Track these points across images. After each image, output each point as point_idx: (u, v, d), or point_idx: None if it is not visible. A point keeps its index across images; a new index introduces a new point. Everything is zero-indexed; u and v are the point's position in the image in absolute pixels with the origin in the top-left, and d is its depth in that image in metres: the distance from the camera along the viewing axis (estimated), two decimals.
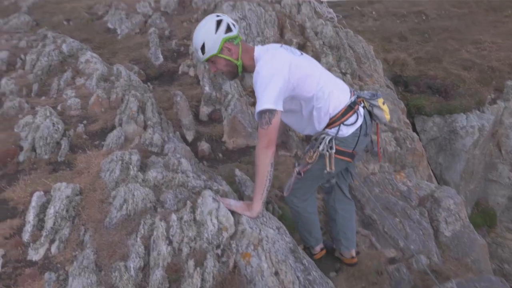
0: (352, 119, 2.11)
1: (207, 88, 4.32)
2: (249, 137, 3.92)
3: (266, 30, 5.41)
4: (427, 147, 6.65)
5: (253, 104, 4.25)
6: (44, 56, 4.35)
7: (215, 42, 1.97)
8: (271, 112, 1.89)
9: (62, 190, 2.24)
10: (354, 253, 2.66)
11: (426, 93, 6.94)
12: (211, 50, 1.99)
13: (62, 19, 6.41)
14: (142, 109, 3.37)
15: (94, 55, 4.43)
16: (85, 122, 3.36)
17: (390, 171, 3.92)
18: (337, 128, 2.09)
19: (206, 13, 6.04)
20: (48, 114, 3.15)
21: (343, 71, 4.90)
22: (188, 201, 2.09)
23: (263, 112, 1.89)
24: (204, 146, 3.72)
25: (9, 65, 4.34)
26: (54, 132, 2.97)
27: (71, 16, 6.62)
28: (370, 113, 2.23)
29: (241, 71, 2.10)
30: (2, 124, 3.25)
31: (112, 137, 2.96)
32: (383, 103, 2.24)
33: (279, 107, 1.91)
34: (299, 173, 2.19)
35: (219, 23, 1.98)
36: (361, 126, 2.14)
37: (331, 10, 8.47)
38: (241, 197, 2.72)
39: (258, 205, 2.05)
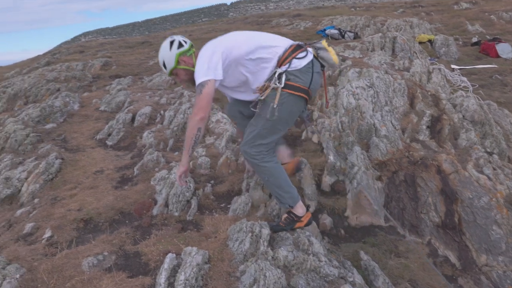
0: (302, 54, 2.29)
1: (331, 157, 4.20)
2: (375, 215, 3.62)
3: (395, 99, 5.20)
4: None
5: (379, 178, 3.99)
6: (180, 113, 4.80)
7: (171, 58, 2.45)
8: (201, 84, 2.22)
9: (193, 255, 2.27)
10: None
11: None
12: (170, 64, 2.47)
13: None
14: None
15: (224, 116, 4.73)
16: (212, 182, 3.50)
17: None
18: (288, 63, 2.25)
19: (331, 78, 6.13)
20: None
21: (488, 150, 4.36)
22: None
23: (197, 86, 2.24)
24: (326, 220, 3.53)
25: (150, 119, 4.87)
26: (186, 190, 3.13)
27: None
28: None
29: None
30: (142, 175, 3.56)
31: (239, 203, 2.99)
32: (328, 45, 2.40)
33: (210, 76, 2.21)
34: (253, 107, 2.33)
35: (172, 42, 2.47)
36: (312, 62, 2.30)
37: (464, 79, 7.91)
38: None
39: (184, 158, 2.46)
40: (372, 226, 3.60)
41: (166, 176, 3.34)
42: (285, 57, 2.30)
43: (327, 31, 11.69)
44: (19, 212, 3.14)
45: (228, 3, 37.30)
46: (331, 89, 5.47)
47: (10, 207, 3.31)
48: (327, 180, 4.08)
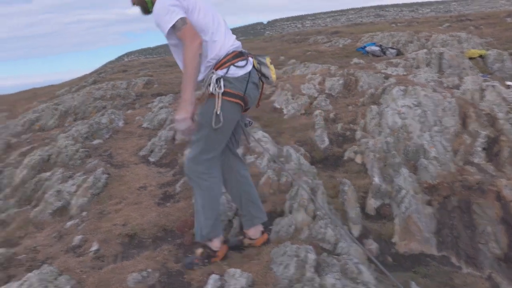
0: (242, 63, 2.24)
1: (376, 179, 4.09)
2: (426, 243, 3.46)
3: (445, 119, 5.01)
4: None
5: (429, 202, 3.82)
6: None
7: None
8: (180, 19, 2.10)
9: (237, 278, 2.25)
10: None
11: None
12: None
13: None
14: (312, 197, 3.33)
15: (266, 134, 4.75)
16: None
17: None
18: (226, 68, 2.20)
19: (373, 97, 6.03)
20: (224, 190, 3.38)
21: None
22: None
23: (174, 25, 2.10)
24: (372, 245, 3.42)
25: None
26: (228, 210, 3.15)
27: None
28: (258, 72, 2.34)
29: (151, 7, 2.28)
30: (183, 192, 3.62)
31: (282, 225, 2.96)
32: (270, 63, 2.38)
33: (182, 14, 2.12)
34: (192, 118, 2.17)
35: None
36: (250, 72, 2.26)
37: None
38: None
39: (190, 94, 2.12)
40: (422, 254, 3.44)
41: None
42: (224, 61, 2.24)
43: (367, 48, 11.58)
44: (68, 224, 3.27)
45: (265, 22, 37.98)
46: (374, 108, 5.37)
47: (60, 218, 3.45)
48: (372, 203, 3.96)
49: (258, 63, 2.40)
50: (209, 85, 2.19)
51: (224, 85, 2.19)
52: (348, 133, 5.36)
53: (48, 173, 4.17)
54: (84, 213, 3.44)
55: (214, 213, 2.49)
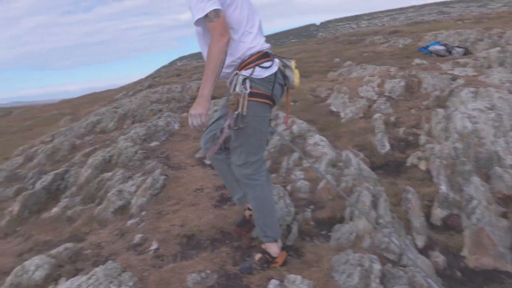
0: (267, 63, 2.23)
1: (443, 187, 3.89)
2: (500, 258, 3.23)
3: None
4: None
5: (504, 214, 3.57)
6: (276, 135, 4.89)
7: None
8: (214, 11, 2.05)
9: (297, 284, 2.25)
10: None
11: None
12: None
13: (290, 100, 7.24)
14: (374, 204, 3.25)
15: (323, 138, 4.70)
16: (312, 207, 3.47)
17: None
18: (252, 69, 2.19)
19: (438, 100, 5.76)
20: (281, 194, 3.39)
21: None
22: None
23: (207, 14, 2.05)
24: (438, 258, 3.25)
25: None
26: (287, 215, 3.15)
27: (297, 97, 7.42)
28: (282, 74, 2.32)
29: None
30: None
31: (343, 232, 2.91)
32: (295, 67, 2.35)
33: (218, 6, 2.07)
34: (229, 126, 2.16)
35: None
36: (276, 73, 2.25)
37: None
38: None
39: (208, 90, 2.09)
40: (496, 271, 3.21)
41: None
42: (248, 61, 2.23)
43: (430, 48, 11.08)
44: (129, 222, 3.45)
45: (317, 23, 37.59)
46: (440, 111, 5.13)
47: (121, 217, 3.65)
48: (438, 213, 3.77)
49: (283, 65, 2.39)
50: (236, 85, 2.20)
51: (250, 86, 2.19)
52: (410, 137, 5.16)
53: (109, 173, 4.43)
54: (143, 213, 3.60)
55: (271, 212, 2.53)
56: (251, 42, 2.26)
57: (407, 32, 17.06)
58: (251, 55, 2.25)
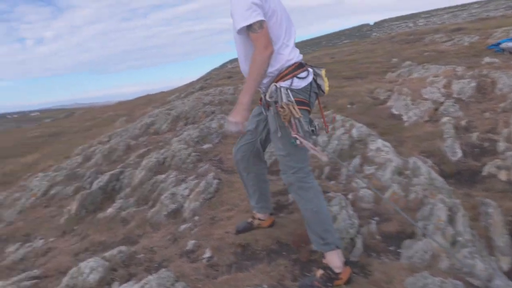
0: (304, 74, 2.31)
1: None
2: None
3: None
4: None
5: None
6: (335, 139, 4.61)
7: None
8: (258, 22, 2.09)
9: None
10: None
11: None
12: None
13: (346, 102, 6.90)
14: (450, 218, 2.88)
15: (386, 144, 4.36)
16: (377, 219, 3.17)
17: None
18: (290, 80, 2.27)
19: None
20: (343, 204, 3.13)
21: None
22: None
23: (251, 25, 2.10)
24: None
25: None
26: (350, 227, 2.88)
27: (354, 99, 7.06)
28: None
29: None
30: (295, 204, 3.44)
31: (416, 250, 2.59)
32: (325, 75, 2.44)
33: (262, 17, 2.11)
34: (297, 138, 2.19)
35: None
36: (311, 83, 2.34)
37: None
38: None
39: (248, 99, 2.14)
40: None
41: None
42: (286, 73, 2.30)
43: (502, 45, 10.18)
44: (182, 227, 3.34)
45: (371, 23, 36.39)
46: None
47: (174, 220, 3.56)
48: None
49: (315, 74, 2.46)
50: (282, 97, 2.25)
51: (292, 95, 2.26)
52: (486, 144, 4.66)
53: (163, 175, 4.39)
54: (196, 217, 3.49)
55: (328, 216, 2.45)
56: (289, 55, 2.33)
57: (472, 29, 15.95)
58: (288, 67, 2.32)
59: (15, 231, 4.34)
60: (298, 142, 2.21)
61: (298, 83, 2.29)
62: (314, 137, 2.36)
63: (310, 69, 2.42)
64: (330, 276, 2.34)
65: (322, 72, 2.46)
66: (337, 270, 2.35)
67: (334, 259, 2.37)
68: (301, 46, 40.93)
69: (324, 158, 2.32)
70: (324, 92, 2.49)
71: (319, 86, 2.44)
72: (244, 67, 2.42)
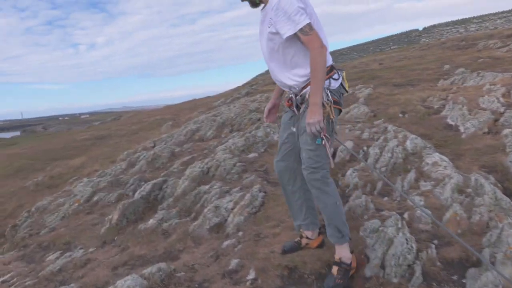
0: (336, 75, 2.45)
1: None
2: None
3: None
4: None
5: None
6: (387, 151, 4.31)
7: None
8: (308, 24, 2.21)
9: None
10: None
11: None
12: None
13: (398, 111, 6.52)
14: None
15: (444, 158, 4.01)
16: (436, 242, 2.86)
17: None
18: (328, 81, 2.37)
19: None
20: (399, 226, 2.85)
21: None
22: None
23: (302, 28, 2.20)
24: None
25: (352, 155, 4.53)
26: (407, 252, 2.60)
27: (406, 108, 6.67)
28: None
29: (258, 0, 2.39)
30: (349, 222, 3.18)
31: (484, 282, 2.29)
32: (345, 77, 2.55)
33: (309, 20, 2.23)
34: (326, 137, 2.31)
35: None
36: (341, 84, 2.48)
37: None
38: None
39: (319, 97, 2.24)
40: None
41: (380, 228, 2.88)
42: None
43: None
44: (225, 243, 3.18)
45: (420, 29, 35.08)
46: None
47: (217, 235, 3.42)
48: None
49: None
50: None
51: (329, 95, 2.38)
52: None
53: (207, 186, 4.28)
54: (240, 233, 3.33)
55: (343, 209, 2.63)
56: (327, 57, 2.39)
57: None
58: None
59: (57, 238, 4.37)
60: (323, 142, 2.32)
61: (334, 84, 2.41)
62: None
63: (340, 71, 2.54)
64: (346, 269, 2.48)
65: (343, 74, 2.57)
66: (348, 261, 2.51)
67: (345, 251, 2.53)
68: (348, 51, 40.16)
69: (331, 165, 2.42)
70: (347, 92, 2.60)
71: (343, 87, 2.54)
72: (280, 76, 2.49)
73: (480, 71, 9.46)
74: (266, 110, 2.94)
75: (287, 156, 2.70)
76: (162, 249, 3.34)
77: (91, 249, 3.80)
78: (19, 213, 6.50)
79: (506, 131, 4.95)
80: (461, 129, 5.45)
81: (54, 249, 4.10)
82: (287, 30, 2.23)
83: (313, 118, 2.25)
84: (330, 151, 2.37)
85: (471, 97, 6.91)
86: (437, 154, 4.15)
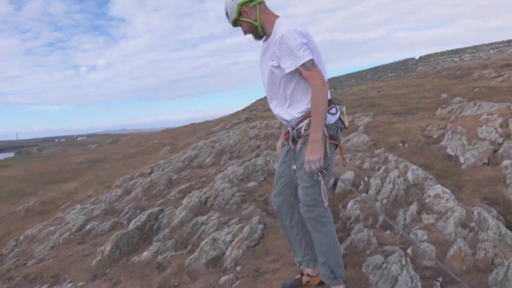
0: (333, 110, 2.43)
1: None
2: None
3: None
4: None
5: None
6: (389, 182, 4.24)
7: (233, 7, 2.39)
8: (311, 60, 2.23)
9: None
10: None
11: None
12: (232, 14, 2.41)
13: (398, 140, 6.50)
14: None
15: (446, 190, 3.95)
16: (440, 280, 2.77)
17: None
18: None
19: None
20: (403, 262, 2.76)
21: None
22: None
23: (304, 63, 2.22)
24: None
25: (353, 186, 4.47)
26: None
27: (406, 138, 6.65)
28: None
29: (262, 31, 2.40)
30: (350, 257, 3.10)
31: None
32: (345, 112, 2.54)
33: (312, 56, 2.25)
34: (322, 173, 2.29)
35: None
36: (339, 117, 2.46)
37: None
38: None
39: (319, 134, 2.23)
40: None
41: (383, 265, 2.79)
42: None
43: None
44: (223, 279, 3.07)
45: (417, 57, 35.66)
46: None
47: (214, 270, 3.30)
48: None
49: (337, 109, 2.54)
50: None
51: (326, 130, 2.34)
52: None
53: (204, 217, 4.17)
54: (238, 268, 3.21)
55: (340, 250, 2.58)
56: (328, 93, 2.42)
57: None
58: None
59: (44, 270, 4.15)
60: (319, 178, 2.28)
61: (330, 119, 2.38)
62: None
63: (338, 106, 2.52)
64: None
65: (343, 109, 2.55)
66: None
67: None
68: (347, 78, 40.59)
69: (325, 204, 2.36)
70: (346, 128, 2.57)
71: (342, 122, 2.51)
72: (278, 110, 2.49)
73: (477, 101, 9.54)
74: (278, 146, 2.84)
75: (283, 190, 2.64)
76: (156, 284, 3.21)
77: (80, 283, 3.63)
78: (7, 240, 6.27)
79: (505, 162, 4.91)
80: (461, 159, 5.41)
81: (41, 282, 3.92)
82: (290, 65, 2.25)
83: (314, 156, 2.22)
84: (326, 187, 2.32)
85: (469, 126, 6.92)
86: (439, 186, 4.09)
